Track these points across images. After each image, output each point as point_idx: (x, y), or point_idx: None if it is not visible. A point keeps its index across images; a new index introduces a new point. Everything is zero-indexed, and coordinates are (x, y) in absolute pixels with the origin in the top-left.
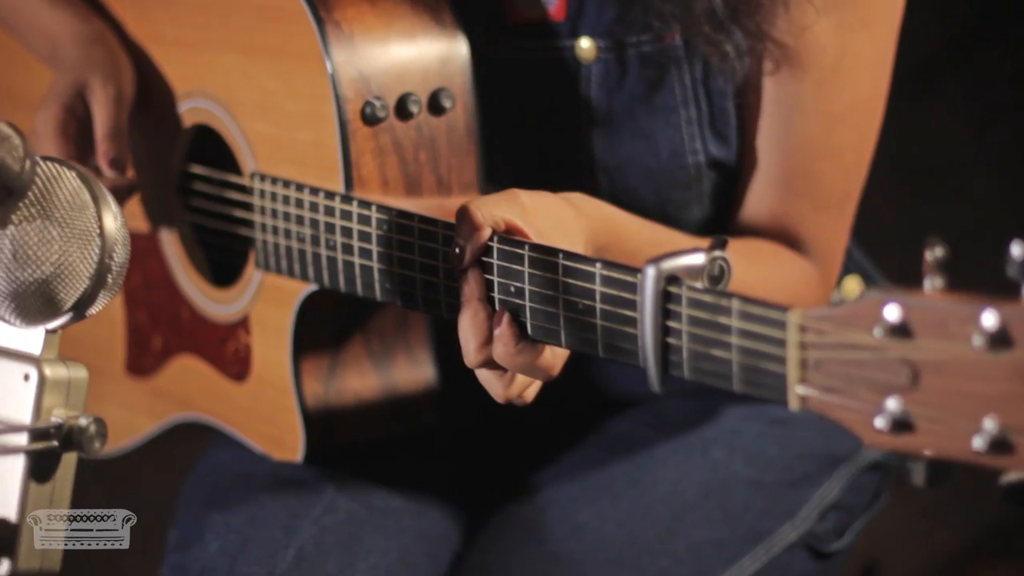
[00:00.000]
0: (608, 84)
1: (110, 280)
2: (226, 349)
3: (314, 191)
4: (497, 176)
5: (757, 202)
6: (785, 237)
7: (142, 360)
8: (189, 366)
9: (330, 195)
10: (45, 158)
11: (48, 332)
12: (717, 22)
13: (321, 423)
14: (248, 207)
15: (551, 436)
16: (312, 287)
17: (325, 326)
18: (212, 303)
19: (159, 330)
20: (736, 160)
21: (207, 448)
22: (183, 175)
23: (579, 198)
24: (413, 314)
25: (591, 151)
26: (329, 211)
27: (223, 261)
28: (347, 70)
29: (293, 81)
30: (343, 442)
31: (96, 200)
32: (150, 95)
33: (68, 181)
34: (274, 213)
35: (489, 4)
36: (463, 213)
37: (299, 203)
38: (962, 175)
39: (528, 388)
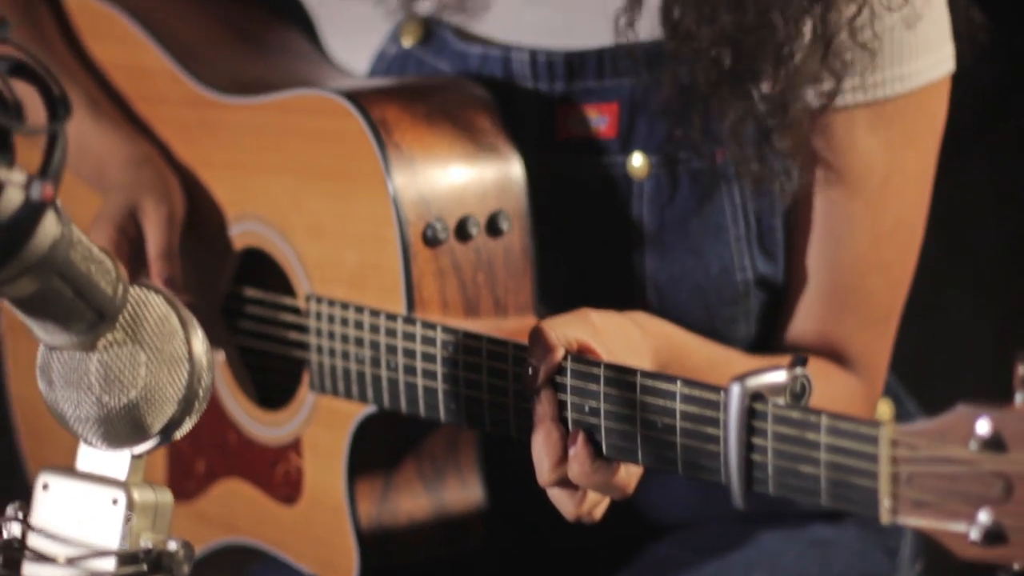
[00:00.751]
0: (660, 201)
1: (197, 405)
2: (276, 472)
3: (375, 313)
4: (548, 294)
5: (804, 319)
6: (831, 353)
7: (184, 484)
8: (235, 489)
9: (392, 317)
10: (132, 282)
11: (134, 457)
12: (760, 142)
13: (375, 544)
14: (303, 329)
15: (596, 559)
16: (370, 409)
17: (379, 448)
18: (261, 426)
19: (203, 453)
20: (782, 277)
21: (251, 572)
22: (231, 297)
23: (642, 317)
24: (463, 436)
25: (642, 268)
26: (391, 332)
27: (264, 382)
28: (408, 193)
29: (352, 203)
30: (395, 563)
31: (184, 325)
32: (198, 218)
33: (156, 306)
34: (331, 335)
35: (539, 122)
36: (537, 334)
37: (359, 325)
38: (940, 293)
39: (598, 506)
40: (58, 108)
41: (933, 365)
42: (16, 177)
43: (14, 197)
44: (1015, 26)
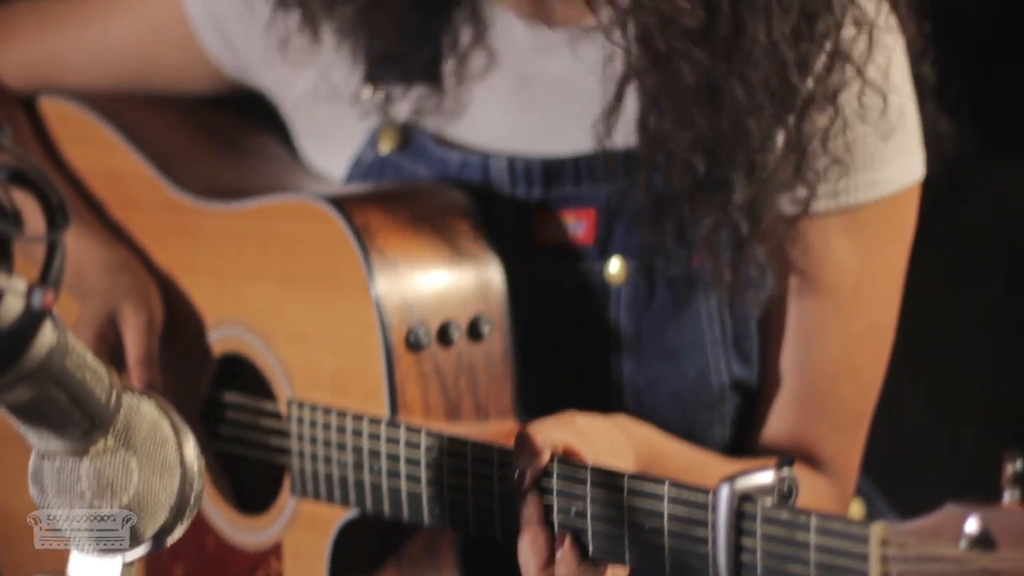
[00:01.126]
0: (637, 307)
1: (189, 511)
2: None
3: (358, 418)
4: (527, 397)
5: (778, 422)
6: (804, 455)
7: None
8: None
9: (376, 421)
10: (124, 388)
11: (125, 564)
12: (734, 250)
13: None
14: (284, 434)
15: None
16: (352, 513)
17: (360, 552)
18: (240, 531)
19: (180, 559)
20: (756, 381)
21: None
22: (210, 402)
23: (624, 421)
24: (443, 541)
25: (619, 372)
26: (374, 437)
27: (242, 486)
28: (392, 298)
29: (335, 308)
30: None
31: (176, 432)
32: (177, 323)
33: (148, 412)
34: (313, 440)
35: (517, 227)
36: (523, 438)
37: (341, 429)
38: (894, 400)
39: None
40: (57, 216)
41: (888, 461)
42: (16, 285)
43: (14, 305)
44: (963, 124)
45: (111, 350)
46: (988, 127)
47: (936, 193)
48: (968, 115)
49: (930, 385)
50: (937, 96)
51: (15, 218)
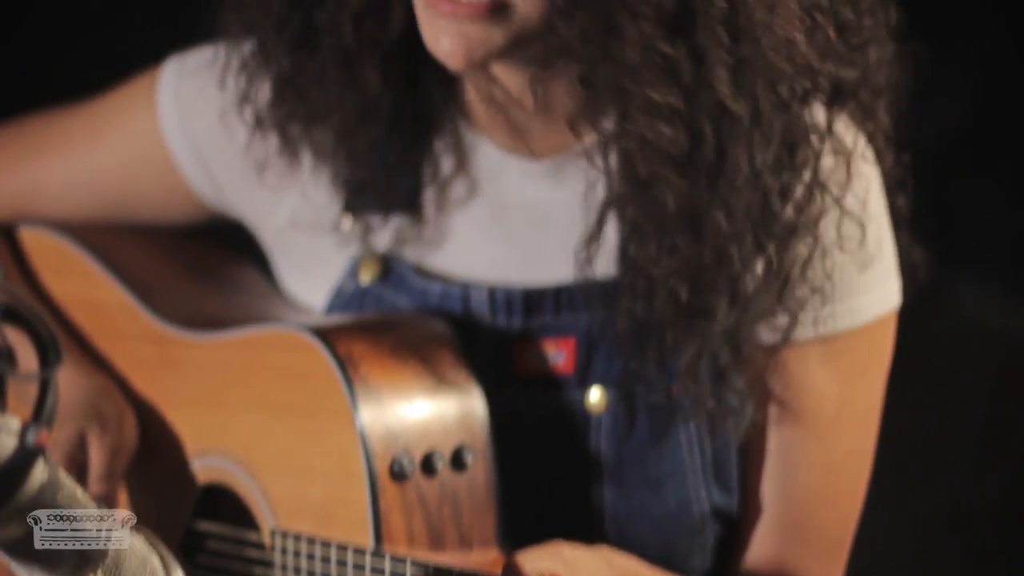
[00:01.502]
0: (617, 435)
1: None
2: None
3: (342, 547)
4: (509, 526)
5: (758, 550)
6: None
7: None
8: None
9: (360, 551)
10: None
11: None
12: (715, 379)
13: None
14: (267, 564)
15: None
16: None
17: None
18: None
19: None
20: (736, 509)
21: None
22: (191, 533)
23: (609, 552)
24: None
25: (601, 500)
26: (359, 567)
27: None
28: (376, 427)
29: (318, 438)
30: None
31: (165, 565)
32: (158, 453)
33: (137, 546)
34: (297, 570)
35: (497, 357)
36: (510, 567)
37: (326, 559)
38: (867, 519)
39: None
40: (49, 353)
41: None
42: (10, 423)
43: (7, 443)
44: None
45: (80, 471)
46: (952, 249)
47: (905, 312)
48: (934, 239)
49: (902, 504)
50: (911, 225)
51: (8, 355)
